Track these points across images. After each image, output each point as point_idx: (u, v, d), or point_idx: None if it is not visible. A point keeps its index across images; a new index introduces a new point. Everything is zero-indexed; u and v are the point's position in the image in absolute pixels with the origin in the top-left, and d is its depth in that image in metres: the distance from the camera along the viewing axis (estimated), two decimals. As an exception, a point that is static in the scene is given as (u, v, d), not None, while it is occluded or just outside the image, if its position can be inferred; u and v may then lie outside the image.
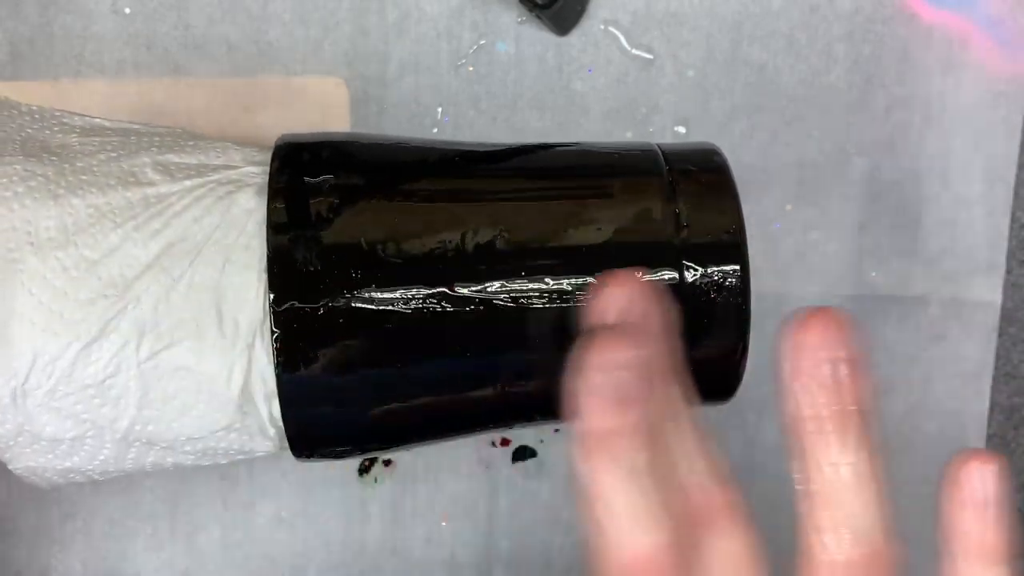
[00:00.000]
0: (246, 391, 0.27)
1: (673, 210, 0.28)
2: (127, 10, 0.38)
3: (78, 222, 0.27)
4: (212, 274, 0.27)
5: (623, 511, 0.22)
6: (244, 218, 0.28)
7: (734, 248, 0.28)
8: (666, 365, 0.24)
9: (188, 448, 0.29)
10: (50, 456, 0.28)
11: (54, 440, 0.28)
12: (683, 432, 0.24)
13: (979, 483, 0.25)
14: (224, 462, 0.30)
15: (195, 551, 0.41)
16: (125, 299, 0.27)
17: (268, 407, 0.28)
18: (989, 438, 0.44)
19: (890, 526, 0.24)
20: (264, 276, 0.27)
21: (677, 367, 0.24)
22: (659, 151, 0.30)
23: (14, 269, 0.26)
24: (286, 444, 0.29)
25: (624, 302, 0.23)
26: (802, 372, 0.23)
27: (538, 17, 0.39)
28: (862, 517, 0.24)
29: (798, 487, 0.24)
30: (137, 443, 0.28)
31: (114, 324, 0.27)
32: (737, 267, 0.28)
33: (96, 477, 0.30)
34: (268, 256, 0.26)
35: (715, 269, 0.28)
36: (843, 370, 0.23)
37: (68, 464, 0.28)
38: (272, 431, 0.29)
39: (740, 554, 0.24)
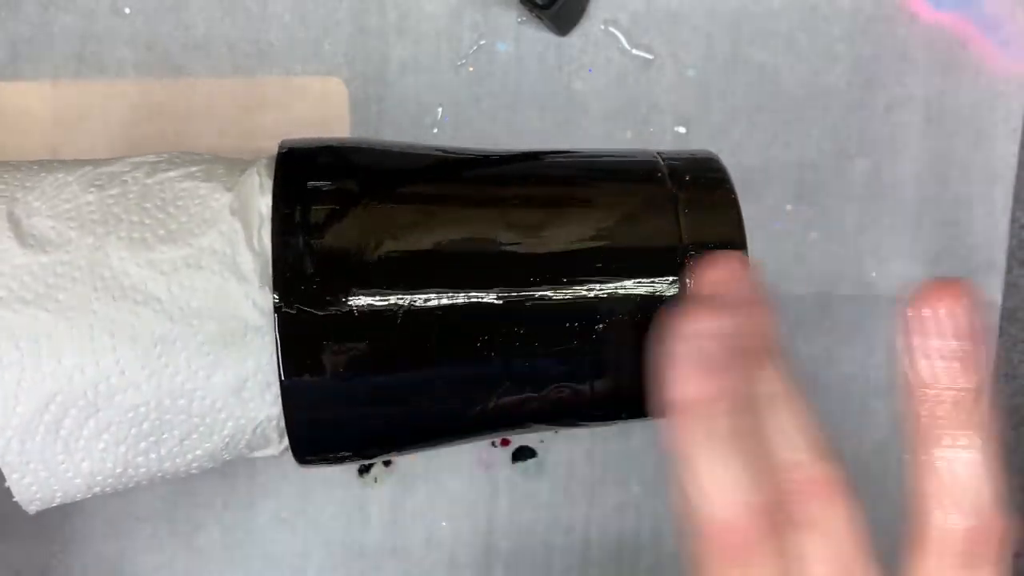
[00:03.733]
0: (250, 396, 0.27)
1: (675, 218, 0.28)
2: (127, 10, 0.38)
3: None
4: (216, 281, 0.27)
5: (718, 474, 0.23)
6: (248, 221, 0.28)
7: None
8: (764, 343, 0.24)
9: (190, 457, 0.29)
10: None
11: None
12: (780, 408, 0.24)
13: (947, 318, 0.24)
14: (227, 458, 0.30)
15: (195, 551, 0.41)
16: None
17: (270, 412, 0.28)
18: (989, 438, 0.44)
19: (1003, 500, 0.24)
20: (268, 281, 0.27)
21: (776, 347, 0.24)
22: (660, 159, 0.30)
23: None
24: (286, 447, 0.29)
25: (724, 280, 0.24)
26: (929, 349, 0.24)
27: (538, 17, 0.39)
28: (978, 490, 0.24)
29: (919, 457, 0.25)
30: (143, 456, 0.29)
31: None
32: None
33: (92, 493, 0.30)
34: (273, 261, 0.26)
35: None
36: (969, 347, 0.24)
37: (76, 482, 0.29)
38: (274, 436, 0.29)
39: (838, 528, 0.25)
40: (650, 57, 0.41)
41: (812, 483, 0.24)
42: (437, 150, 0.31)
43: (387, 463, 0.42)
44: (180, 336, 0.27)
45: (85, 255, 0.27)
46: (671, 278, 0.28)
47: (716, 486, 0.23)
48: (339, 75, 0.39)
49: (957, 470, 0.24)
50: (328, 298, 0.26)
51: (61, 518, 0.41)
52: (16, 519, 0.40)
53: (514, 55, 0.40)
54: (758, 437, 0.24)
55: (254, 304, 0.27)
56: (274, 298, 0.26)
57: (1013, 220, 0.43)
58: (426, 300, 0.27)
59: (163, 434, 0.27)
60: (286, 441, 0.29)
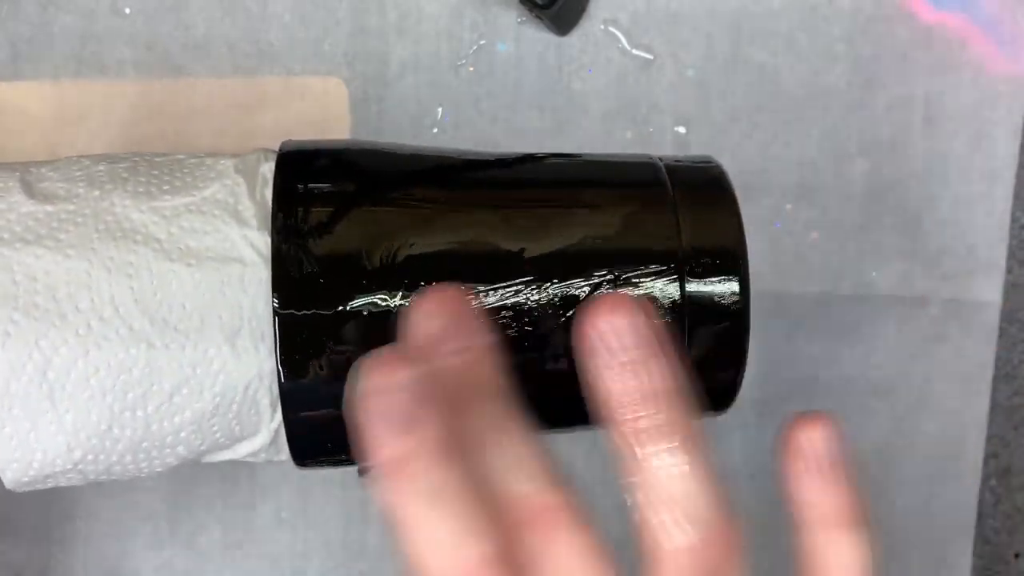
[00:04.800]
0: (243, 347, 0.27)
1: (674, 223, 0.28)
2: (127, 10, 0.38)
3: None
4: (216, 224, 0.27)
5: (434, 534, 0.21)
6: (252, 180, 0.28)
7: (735, 263, 0.28)
8: (474, 378, 0.23)
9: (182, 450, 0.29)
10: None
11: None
12: (505, 442, 0.23)
13: (814, 448, 0.25)
14: (217, 433, 0.29)
15: (195, 551, 0.41)
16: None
17: (262, 368, 0.28)
18: (989, 438, 0.44)
19: (725, 505, 0.23)
20: (267, 226, 0.27)
21: (489, 378, 0.23)
22: (660, 163, 0.30)
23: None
24: (284, 450, 0.29)
25: (439, 318, 0.22)
26: (609, 363, 0.23)
27: (538, 17, 0.39)
28: (695, 501, 0.23)
29: (628, 477, 0.24)
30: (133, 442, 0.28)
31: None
32: (737, 282, 0.28)
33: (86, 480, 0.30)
34: (273, 262, 0.26)
35: (715, 284, 0.28)
36: (645, 354, 0.23)
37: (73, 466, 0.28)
38: (265, 406, 0.28)
39: (578, 554, 0.23)
40: (650, 57, 0.41)
41: (542, 515, 0.23)
42: (438, 152, 0.31)
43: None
44: (177, 275, 0.27)
45: (90, 204, 0.27)
46: (670, 282, 0.28)
47: (434, 546, 0.21)
48: (339, 75, 0.39)
49: (669, 484, 0.23)
50: (328, 300, 0.26)
51: (61, 518, 0.41)
52: (16, 519, 0.40)
53: (514, 55, 0.40)
54: (475, 481, 0.22)
55: (252, 245, 0.27)
56: (274, 301, 0.26)
57: (1013, 220, 0.43)
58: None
59: (152, 384, 0.27)
60: (274, 425, 0.28)
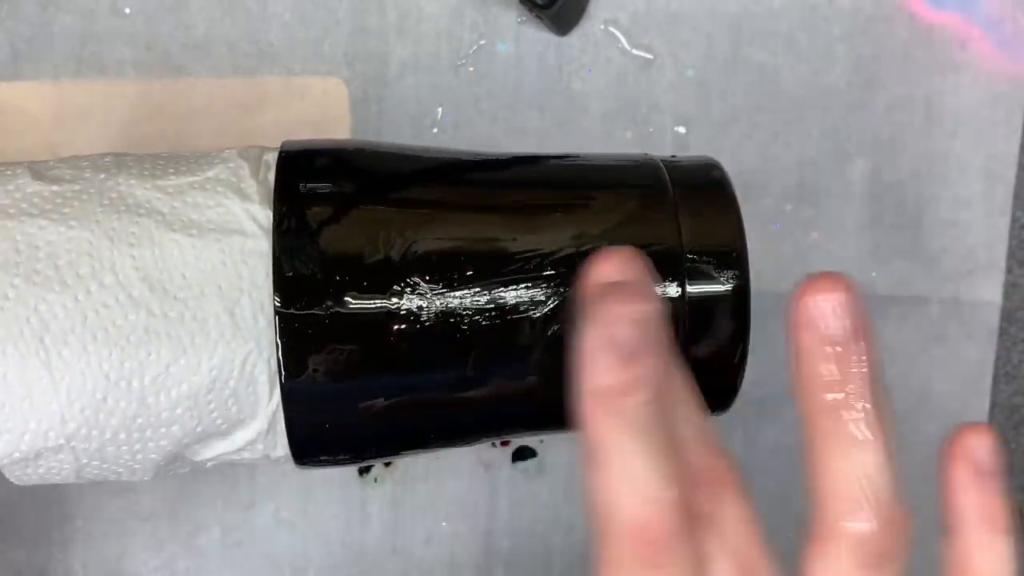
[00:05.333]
0: (241, 317, 0.27)
1: (674, 224, 0.28)
2: (127, 10, 0.38)
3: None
4: (219, 199, 0.28)
5: (633, 468, 0.21)
6: (255, 165, 0.29)
7: (735, 263, 0.28)
8: (664, 335, 0.23)
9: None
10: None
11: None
12: (684, 399, 0.24)
13: (978, 455, 0.25)
14: (214, 414, 0.29)
15: (195, 551, 0.41)
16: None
17: (259, 341, 0.27)
18: (989, 438, 0.44)
19: (903, 493, 0.24)
20: (269, 203, 0.27)
21: (667, 338, 0.23)
22: (661, 164, 0.30)
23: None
24: (284, 451, 0.29)
25: (622, 271, 0.23)
26: (820, 344, 0.23)
27: (538, 17, 0.39)
28: (879, 488, 0.23)
29: (817, 457, 0.24)
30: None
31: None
32: (738, 284, 0.28)
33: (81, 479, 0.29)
34: (273, 262, 0.26)
35: (716, 284, 0.28)
36: (859, 341, 0.23)
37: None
38: (263, 384, 0.28)
39: (743, 519, 0.24)
40: (650, 57, 0.41)
41: (712, 476, 0.24)
42: (438, 153, 0.31)
43: (387, 463, 0.42)
44: (179, 245, 0.27)
45: (95, 185, 0.28)
46: (671, 283, 0.28)
47: (633, 482, 0.21)
48: (339, 75, 0.39)
49: (857, 469, 0.23)
50: (329, 299, 0.26)
51: (61, 518, 0.41)
52: (16, 519, 0.40)
53: (514, 55, 0.40)
54: (668, 429, 0.22)
55: (253, 218, 0.28)
56: (275, 300, 0.26)
57: (1013, 220, 0.43)
58: (427, 303, 0.27)
59: (149, 354, 0.26)
60: (272, 407, 0.28)
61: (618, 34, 0.40)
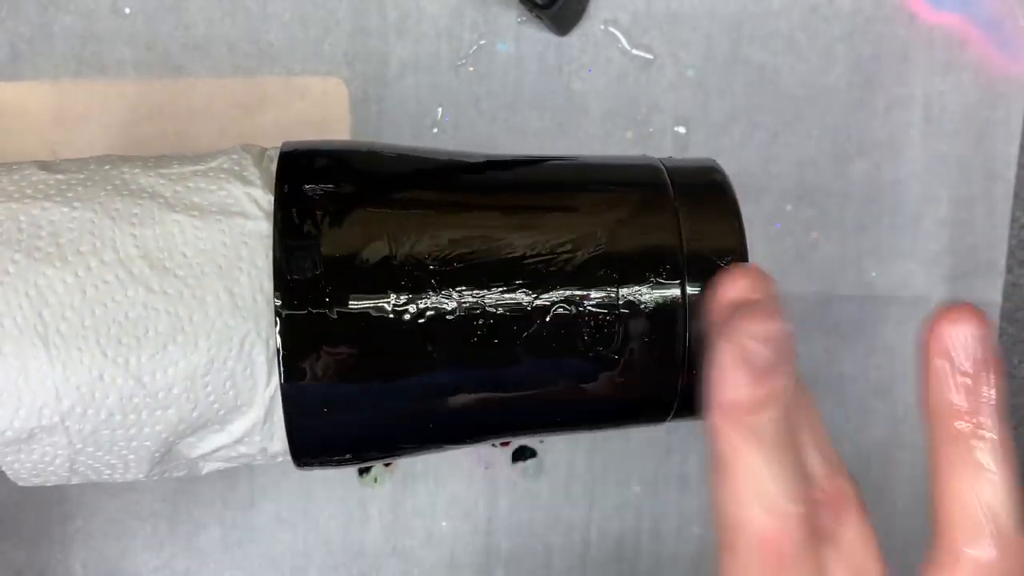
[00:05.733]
0: (240, 296, 0.27)
1: (675, 226, 0.28)
2: (127, 10, 0.38)
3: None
4: (221, 183, 0.28)
5: (762, 483, 0.22)
6: (258, 156, 0.29)
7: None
8: (793, 351, 0.24)
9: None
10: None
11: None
12: (810, 420, 0.25)
13: (960, 344, 0.24)
14: (209, 395, 0.28)
15: (195, 551, 0.41)
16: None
17: (259, 322, 0.27)
18: (989, 438, 0.44)
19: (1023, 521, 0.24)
20: (271, 187, 0.27)
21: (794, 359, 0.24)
22: (662, 166, 0.30)
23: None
24: (282, 444, 0.29)
25: (753, 289, 0.24)
26: (948, 373, 0.24)
27: (538, 17, 0.39)
28: (1003, 516, 0.24)
29: (943, 484, 0.24)
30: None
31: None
32: None
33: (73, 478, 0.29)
34: (274, 263, 0.26)
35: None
36: (984, 371, 0.23)
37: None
38: (260, 363, 0.28)
39: (864, 541, 0.25)
40: (650, 57, 0.41)
41: (836, 496, 0.24)
42: (439, 154, 0.31)
43: (387, 463, 0.42)
44: (180, 224, 0.27)
45: (100, 173, 0.28)
46: (672, 285, 0.28)
47: (762, 492, 0.22)
48: (339, 75, 0.39)
49: (981, 497, 0.24)
50: (330, 301, 0.26)
51: (61, 518, 0.41)
52: (16, 519, 0.40)
53: (514, 55, 0.40)
54: (795, 447, 0.23)
55: (255, 201, 0.28)
56: (276, 301, 0.26)
57: (1013, 220, 0.43)
58: (427, 304, 0.27)
59: (147, 330, 0.26)
60: (269, 392, 0.28)
61: (618, 34, 0.40)
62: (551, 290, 0.27)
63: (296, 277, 0.26)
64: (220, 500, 0.41)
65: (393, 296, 0.27)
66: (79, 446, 0.27)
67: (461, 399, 0.28)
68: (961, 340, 0.23)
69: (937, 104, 0.42)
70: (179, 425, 0.28)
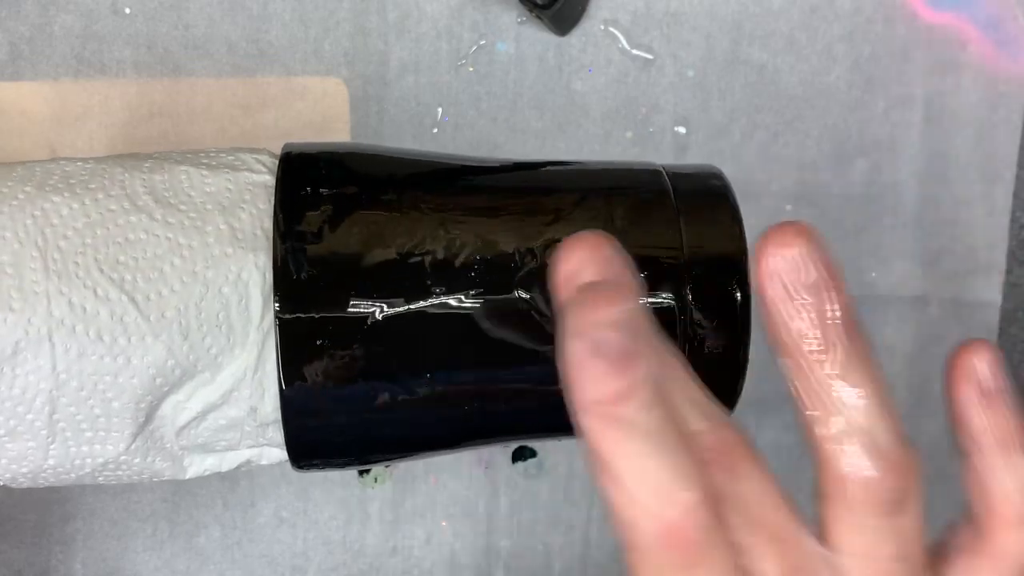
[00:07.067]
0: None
1: (677, 232, 0.28)
2: (127, 10, 0.38)
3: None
4: (224, 168, 0.28)
5: (649, 477, 0.21)
6: (256, 165, 0.29)
7: (737, 273, 0.28)
8: (647, 319, 0.22)
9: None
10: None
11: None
12: (680, 381, 0.23)
13: (982, 374, 0.25)
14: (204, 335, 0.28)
15: (195, 551, 0.41)
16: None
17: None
18: (989, 438, 0.44)
19: (903, 434, 0.24)
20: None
21: (652, 319, 0.22)
22: (663, 172, 0.30)
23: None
24: (273, 405, 0.28)
25: (593, 264, 0.22)
26: (785, 295, 0.23)
27: (538, 17, 0.39)
28: (878, 431, 0.23)
29: (809, 411, 0.24)
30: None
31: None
32: (738, 292, 0.28)
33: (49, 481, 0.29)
34: (274, 265, 0.26)
35: (717, 293, 0.28)
36: (825, 281, 0.23)
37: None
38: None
39: (763, 488, 0.23)
40: (650, 57, 0.41)
41: (724, 452, 0.23)
42: (440, 158, 0.31)
43: (387, 464, 0.42)
44: (188, 173, 0.28)
45: (105, 166, 0.29)
46: (673, 290, 0.28)
47: (650, 487, 0.21)
48: (339, 75, 0.39)
49: (850, 415, 0.23)
50: (330, 303, 0.26)
51: (61, 518, 0.41)
52: (16, 519, 0.40)
53: (514, 55, 0.40)
54: (675, 416, 0.21)
55: (261, 162, 0.29)
56: (276, 304, 0.26)
57: (1013, 220, 0.43)
58: (427, 307, 0.27)
59: (146, 251, 0.27)
60: (265, 327, 0.27)
61: (618, 34, 0.40)
62: (549, 295, 0.27)
63: (297, 280, 0.26)
64: (220, 500, 0.41)
65: (393, 298, 0.27)
66: (63, 376, 0.26)
67: (461, 402, 0.28)
68: (791, 260, 0.23)
69: (937, 104, 0.42)
70: (167, 362, 0.27)
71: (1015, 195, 0.43)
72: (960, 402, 0.25)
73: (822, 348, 0.23)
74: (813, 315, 0.23)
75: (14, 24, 0.38)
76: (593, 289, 0.21)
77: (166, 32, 0.38)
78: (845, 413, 0.23)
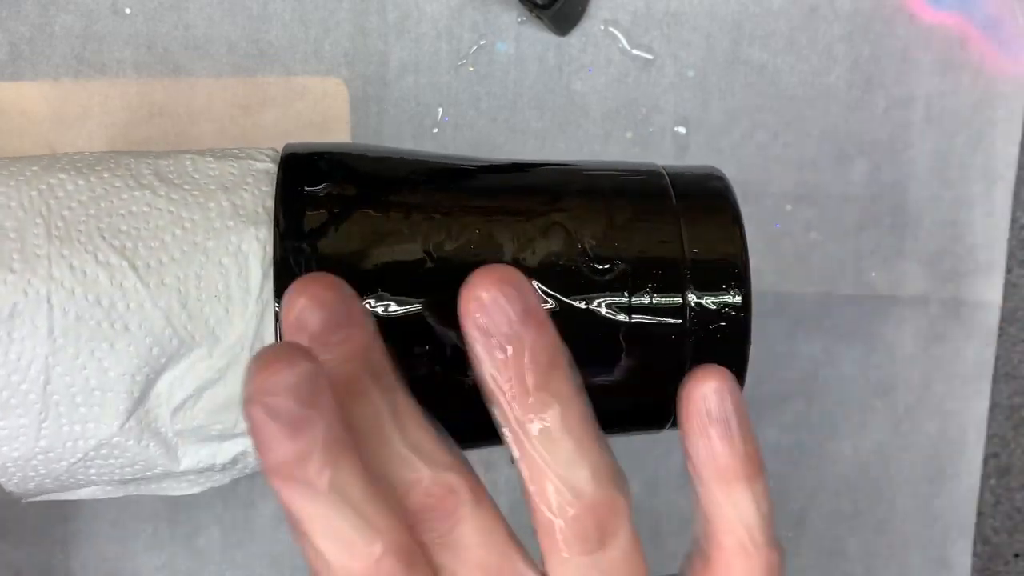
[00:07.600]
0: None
1: (677, 233, 0.28)
2: (127, 10, 0.38)
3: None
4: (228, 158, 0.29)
5: (332, 534, 0.21)
6: (261, 156, 0.30)
7: (737, 275, 0.28)
8: (362, 364, 0.23)
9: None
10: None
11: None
12: (399, 429, 0.23)
13: (708, 402, 0.25)
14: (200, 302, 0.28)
15: (195, 551, 0.41)
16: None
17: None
18: (989, 438, 0.44)
19: (605, 468, 0.24)
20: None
21: (379, 359, 0.23)
22: (664, 173, 0.30)
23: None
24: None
25: (318, 309, 0.22)
26: (480, 332, 0.23)
27: (538, 17, 0.39)
28: (572, 469, 0.24)
29: (513, 452, 0.24)
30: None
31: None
32: (739, 294, 0.28)
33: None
34: (274, 265, 0.26)
35: (717, 295, 0.28)
36: (515, 326, 0.23)
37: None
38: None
39: (482, 532, 0.24)
40: (650, 57, 0.41)
41: (443, 498, 0.23)
42: (441, 158, 0.31)
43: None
44: (193, 159, 0.29)
45: (111, 154, 0.30)
46: (673, 292, 0.28)
47: (334, 546, 0.21)
48: (339, 75, 0.39)
49: (546, 454, 0.24)
50: None
51: (62, 518, 0.41)
52: (16, 519, 0.40)
53: (514, 55, 0.40)
54: (372, 473, 0.22)
55: (266, 155, 0.29)
56: (276, 307, 0.26)
57: (1013, 220, 0.43)
58: (428, 308, 0.27)
59: (148, 222, 0.27)
60: (264, 298, 0.27)
61: (618, 34, 0.40)
62: (550, 295, 0.27)
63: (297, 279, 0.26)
64: (220, 500, 0.41)
65: (393, 298, 0.27)
66: (60, 341, 0.26)
67: (460, 403, 0.28)
68: (484, 304, 0.23)
69: (937, 104, 0.42)
70: (165, 331, 0.27)
71: (1015, 195, 0.43)
72: (685, 432, 0.25)
73: (513, 387, 0.23)
74: (501, 354, 0.23)
75: (14, 24, 0.38)
76: (269, 352, 0.21)
77: (166, 32, 0.38)
78: (541, 451, 0.24)
